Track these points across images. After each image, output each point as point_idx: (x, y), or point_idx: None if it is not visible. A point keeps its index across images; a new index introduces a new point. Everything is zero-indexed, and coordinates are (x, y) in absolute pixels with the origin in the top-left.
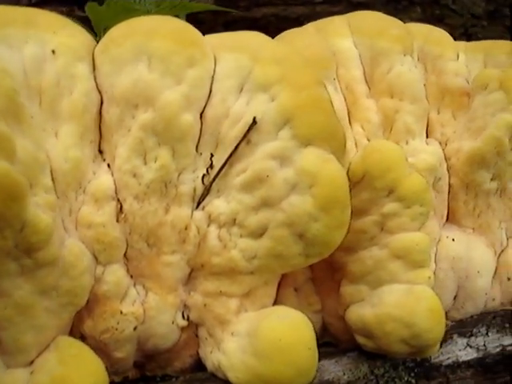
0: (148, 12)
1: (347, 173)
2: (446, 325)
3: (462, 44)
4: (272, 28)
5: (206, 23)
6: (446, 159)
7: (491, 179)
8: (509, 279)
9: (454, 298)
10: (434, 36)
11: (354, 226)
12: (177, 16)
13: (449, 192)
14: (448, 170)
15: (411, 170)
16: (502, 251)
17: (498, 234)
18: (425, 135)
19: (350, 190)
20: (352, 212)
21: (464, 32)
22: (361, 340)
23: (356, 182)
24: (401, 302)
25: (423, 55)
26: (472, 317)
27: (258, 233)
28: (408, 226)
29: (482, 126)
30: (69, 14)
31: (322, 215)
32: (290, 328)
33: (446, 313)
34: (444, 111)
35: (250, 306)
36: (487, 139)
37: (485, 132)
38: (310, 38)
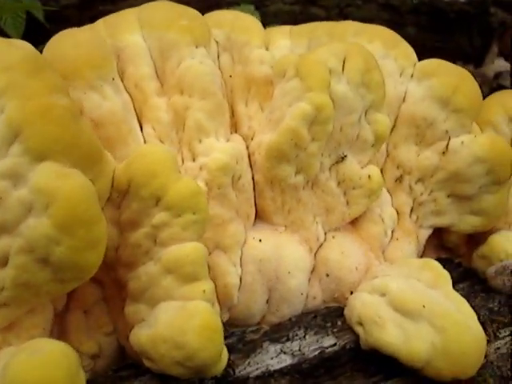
0: None
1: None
2: (258, 330)
3: (287, 28)
4: None
5: (72, 20)
6: (250, 155)
7: (296, 173)
8: (328, 275)
9: (267, 301)
10: (240, 23)
11: (129, 240)
12: None
13: (255, 189)
14: (252, 167)
15: (180, 174)
16: (320, 247)
17: (314, 230)
18: (226, 131)
19: (121, 201)
20: (127, 224)
21: (339, 12)
22: (146, 363)
23: (123, 191)
24: (172, 321)
25: (230, 44)
26: (290, 319)
27: (2, 262)
28: (181, 237)
29: (280, 118)
30: None
31: (63, 237)
32: (38, 366)
33: (263, 317)
34: (251, 103)
35: (14, 340)
36: (283, 131)
37: (281, 123)
38: (84, 35)
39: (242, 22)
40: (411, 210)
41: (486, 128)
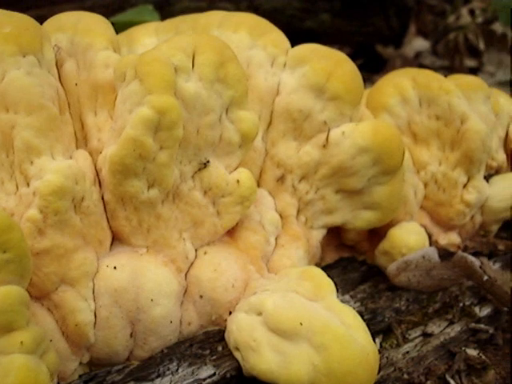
0: None
1: None
2: (123, 369)
3: (153, 25)
4: None
5: None
6: (98, 172)
7: (149, 187)
8: (201, 297)
9: (132, 335)
10: (83, 25)
11: None
12: None
13: (106, 211)
14: (100, 185)
15: None
16: (191, 265)
17: (181, 247)
18: (67, 147)
19: None
20: None
21: (249, 5)
22: None
23: None
24: None
25: (74, 49)
26: (163, 351)
27: None
28: None
29: (123, 127)
30: None
31: None
32: None
33: (131, 353)
34: (100, 112)
35: None
36: (124, 142)
37: (122, 133)
38: None
39: (85, 23)
40: (298, 212)
41: (380, 113)
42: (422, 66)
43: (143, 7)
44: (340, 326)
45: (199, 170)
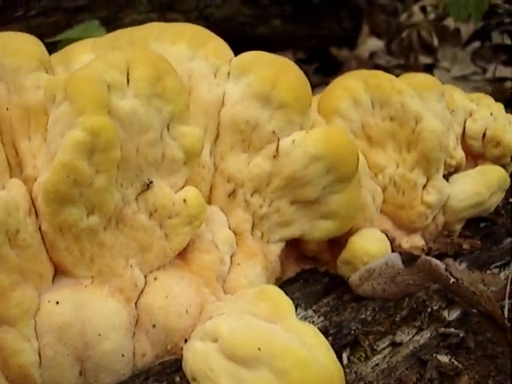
0: None
1: None
2: None
3: (90, 41)
4: None
5: None
6: (34, 201)
7: (88, 214)
8: (154, 326)
9: (81, 372)
10: (11, 47)
11: None
12: None
13: (44, 242)
14: (37, 215)
15: None
16: (141, 293)
17: (128, 275)
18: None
19: None
20: None
21: (199, 15)
22: None
23: None
24: None
25: (4, 72)
26: None
27: None
28: None
29: (55, 152)
30: None
31: None
32: None
33: None
34: (34, 137)
35: None
36: (56, 168)
37: (55, 159)
38: None
39: (14, 45)
40: (253, 227)
41: (333, 118)
42: (377, 65)
43: (89, 23)
44: (301, 347)
45: (142, 191)
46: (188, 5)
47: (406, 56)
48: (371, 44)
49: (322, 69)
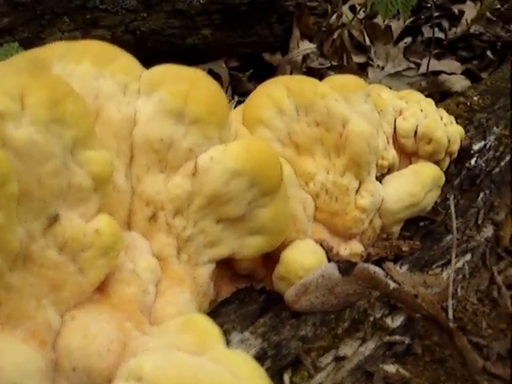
0: None
1: None
2: None
3: None
4: None
5: None
6: None
7: None
8: (74, 370)
9: None
10: None
11: None
12: None
13: None
14: None
15: None
16: (58, 335)
17: (41, 317)
18: None
19: None
20: None
21: (125, 29)
22: None
23: None
24: None
25: None
26: None
27: None
28: None
29: None
30: None
31: None
32: None
33: None
34: None
35: None
36: None
37: None
38: None
39: None
40: (178, 251)
41: (258, 127)
42: (311, 69)
43: (8, 46)
44: (230, 379)
45: (49, 225)
46: (113, 20)
47: (339, 57)
48: (303, 47)
49: (256, 75)
